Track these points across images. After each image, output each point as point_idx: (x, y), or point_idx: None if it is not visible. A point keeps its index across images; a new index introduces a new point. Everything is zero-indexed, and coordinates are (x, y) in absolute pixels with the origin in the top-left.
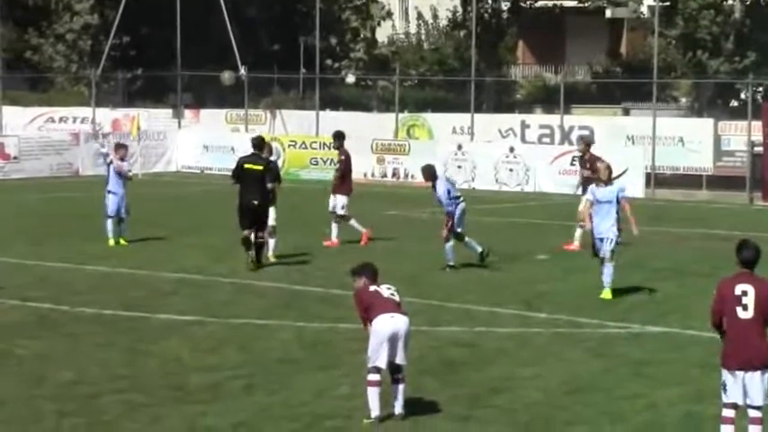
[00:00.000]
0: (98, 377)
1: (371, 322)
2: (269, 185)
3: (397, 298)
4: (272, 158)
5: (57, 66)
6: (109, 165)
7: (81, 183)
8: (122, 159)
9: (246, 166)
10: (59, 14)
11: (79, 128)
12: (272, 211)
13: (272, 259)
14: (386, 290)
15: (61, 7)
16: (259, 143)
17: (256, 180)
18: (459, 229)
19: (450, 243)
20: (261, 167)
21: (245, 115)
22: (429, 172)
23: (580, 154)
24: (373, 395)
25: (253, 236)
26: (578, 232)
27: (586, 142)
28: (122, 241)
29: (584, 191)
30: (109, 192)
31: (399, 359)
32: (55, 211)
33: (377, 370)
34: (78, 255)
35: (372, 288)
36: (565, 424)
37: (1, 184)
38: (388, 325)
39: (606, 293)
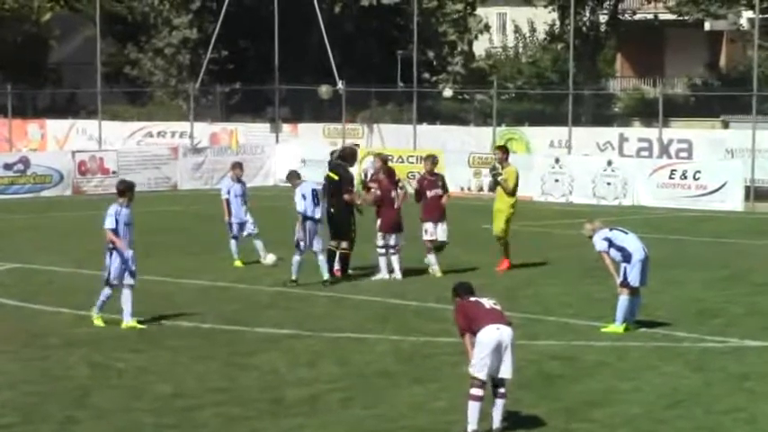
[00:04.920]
0: (196, 390)
1: (476, 334)
2: (345, 197)
3: (499, 308)
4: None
5: (155, 80)
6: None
7: (179, 197)
8: (239, 180)
9: (328, 174)
10: (158, 29)
11: (178, 142)
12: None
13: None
14: (487, 301)
15: (160, 22)
16: (342, 154)
17: (333, 188)
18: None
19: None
20: (337, 176)
21: (342, 129)
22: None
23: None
24: (474, 409)
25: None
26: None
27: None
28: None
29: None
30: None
31: (504, 372)
32: (153, 225)
33: (481, 384)
34: (177, 269)
35: (473, 299)
36: None
37: (100, 197)
38: (493, 336)
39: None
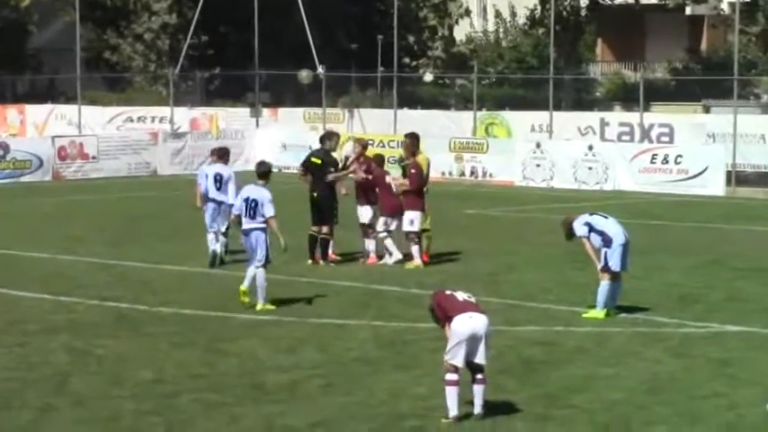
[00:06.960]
0: (176, 376)
1: (450, 323)
2: (329, 177)
3: (473, 300)
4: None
5: (135, 65)
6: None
7: (159, 182)
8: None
9: (311, 159)
10: (138, 14)
11: (157, 127)
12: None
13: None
14: (461, 294)
15: (140, 7)
16: (321, 138)
17: (317, 173)
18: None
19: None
20: (319, 161)
21: (322, 114)
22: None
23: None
24: (451, 394)
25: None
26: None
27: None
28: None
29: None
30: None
31: (480, 358)
32: (133, 210)
33: (455, 369)
34: (156, 254)
35: (448, 292)
36: (644, 424)
37: (80, 183)
38: (466, 325)
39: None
